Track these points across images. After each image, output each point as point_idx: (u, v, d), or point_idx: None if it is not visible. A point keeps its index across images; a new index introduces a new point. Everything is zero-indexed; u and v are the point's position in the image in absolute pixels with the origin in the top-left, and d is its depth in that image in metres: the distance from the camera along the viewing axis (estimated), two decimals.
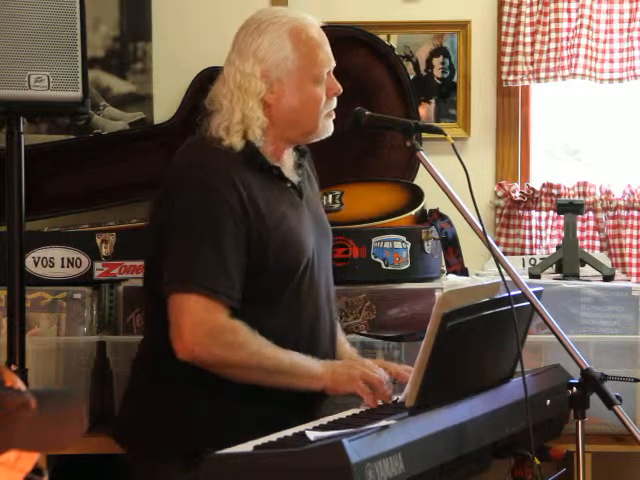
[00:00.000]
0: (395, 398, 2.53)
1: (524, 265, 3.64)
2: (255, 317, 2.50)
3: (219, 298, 2.44)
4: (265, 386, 2.47)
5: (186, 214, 2.49)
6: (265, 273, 2.52)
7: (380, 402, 2.50)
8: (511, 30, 3.76)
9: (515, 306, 2.35)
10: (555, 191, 3.80)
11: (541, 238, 3.84)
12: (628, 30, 3.71)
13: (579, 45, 3.69)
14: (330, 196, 3.44)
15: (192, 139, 2.64)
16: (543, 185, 3.81)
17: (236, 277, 2.47)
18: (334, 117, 2.66)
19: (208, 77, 3.57)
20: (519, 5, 3.74)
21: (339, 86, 2.65)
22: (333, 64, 2.65)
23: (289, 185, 2.64)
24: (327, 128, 2.65)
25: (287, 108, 2.59)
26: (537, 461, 2.36)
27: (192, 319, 2.43)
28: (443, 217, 3.40)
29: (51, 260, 3.30)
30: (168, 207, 2.52)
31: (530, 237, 3.83)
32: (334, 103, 2.65)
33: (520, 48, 3.74)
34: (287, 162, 2.67)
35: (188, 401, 2.53)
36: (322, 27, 2.67)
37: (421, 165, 2.55)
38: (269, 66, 2.58)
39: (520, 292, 2.39)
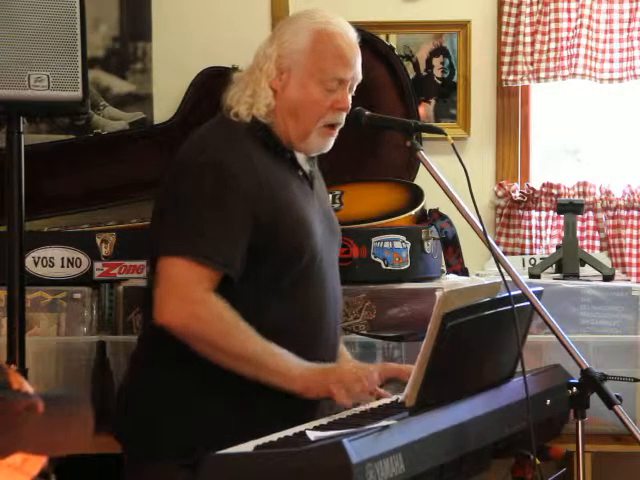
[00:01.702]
0: (395, 398, 2.53)
1: (524, 265, 3.64)
2: (259, 302, 2.50)
3: (209, 265, 2.42)
4: (236, 372, 2.43)
5: (193, 186, 2.48)
6: (270, 255, 2.50)
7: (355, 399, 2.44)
8: (511, 30, 3.76)
9: (515, 306, 2.35)
10: (555, 191, 3.80)
11: (541, 238, 3.84)
12: (628, 30, 3.71)
13: (579, 45, 3.70)
14: (330, 196, 3.44)
15: (211, 119, 2.66)
16: (543, 185, 3.82)
17: (234, 248, 2.45)
18: (334, 136, 2.61)
19: (208, 77, 3.58)
20: (519, 5, 3.74)
21: (347, 103, 2.59)
22: (353, 77, 2.60)
23: (301, 174, 2.64)
24: (321, 143, 2.61)
25: (288, 99, 2.59)
26: (537, 461, 2.36)
27: (169, 282, 2.42)
28: (443, 217, 3.40)
29: (51, 260, 3.30)
30: (178, 179, 2.52)
31: (530, 237, 3.83)
32: (338, 119, 2.60)
33: (520, 48, 3.74)
34: (298, 154, 2.67)
35: (182, 397, 2.52)
36: None
37: (421, 165, 2.55)
38: (284, 53, 2.59)
39: (520, 292, 2.39)
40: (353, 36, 2.63)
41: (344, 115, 2.62)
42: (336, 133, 2.63)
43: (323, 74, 2.57)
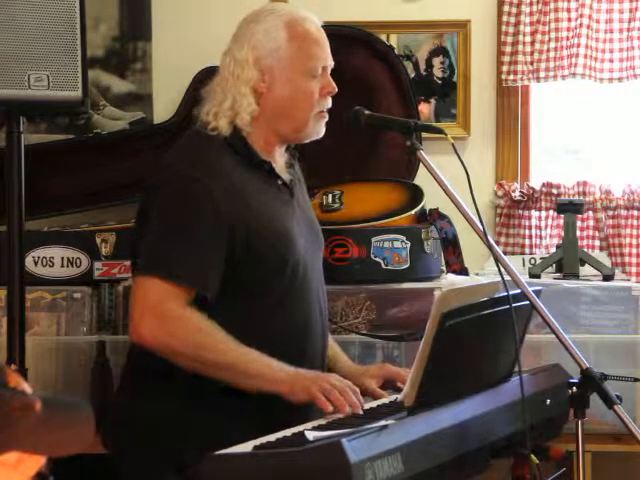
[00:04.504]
0: (394, 398, 2.53)
1: (524, 265, 3.64)
2: (244, 316, 2.49)
3: (180, 284, 2.42)
4: (219, 381, 2.42)
5: (166, 203, 2.48)
6: (252, 267, 2.49)
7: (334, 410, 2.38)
8: (511, 30, 3.76)
9: (514, 305, 2.35)
10: (555, 191, 3.80)
11: (541, 238, 3.84)
12: (628, 30, 3.71)
13: (579, 45, 3.70)
14: (330, 196, 3.44)
15: (186, 132, 2.64)
16: (543, 185, 3.82)
17: (208, 266, 2.44)
18: (327, 119, 2.63)
19: (208, 76, 3.58)
20: (519, 5, 3.74)
21: (334, 86, 2.61)
22: (330, 62, 2.62)
23: (280, 183, 2.62)
24: (318, 129, 2.61)
25: (277, 98, 2.57)
26: (536, 460, 2.36)
27: (143, 301, 2.42)
28: (443, 217, 3.40)
29: (51, 260, 3.30)
30: (153, 197, 2.52)
31: (530, 237, 3.83)
32: (328, 103, 2.61)
33: (520, 48, 3.74)
34: (279, 160, 2.65)
35: (166, 406, 2.51)
36: (322, 26, 2.66)
37: (421, 165, 2.55)
38: (262, 54, 2.56)
39: (519, 291, 2.39)
40: (317, 20, 2.65)
41: (330, 100, 2.62)
42: (327, 116, 2.63)
43: (307, 62, 2.57)
